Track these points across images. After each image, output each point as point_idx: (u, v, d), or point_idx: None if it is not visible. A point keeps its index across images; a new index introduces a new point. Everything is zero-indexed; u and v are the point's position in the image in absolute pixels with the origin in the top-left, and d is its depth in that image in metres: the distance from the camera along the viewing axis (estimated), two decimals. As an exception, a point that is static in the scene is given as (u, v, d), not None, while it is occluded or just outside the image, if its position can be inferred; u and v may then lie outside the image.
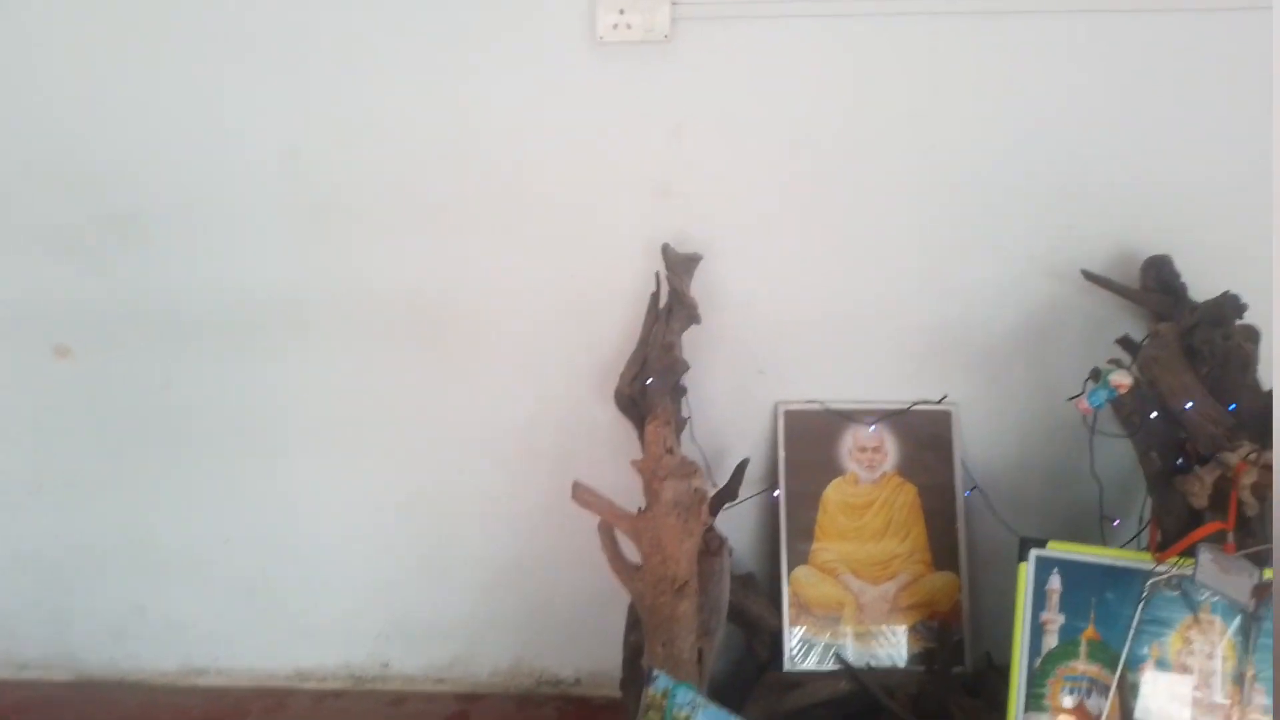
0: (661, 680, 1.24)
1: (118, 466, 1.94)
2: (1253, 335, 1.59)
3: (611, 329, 1.79)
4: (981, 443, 1.82)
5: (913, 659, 1.76)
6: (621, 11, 1.64)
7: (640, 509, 1.45)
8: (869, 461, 1.82)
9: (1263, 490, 1.35)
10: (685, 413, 1.77)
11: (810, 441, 1.83)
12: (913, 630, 1.77)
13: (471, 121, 1.75)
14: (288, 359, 1.86)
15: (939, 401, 1.82)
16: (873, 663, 1.76)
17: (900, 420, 1.82)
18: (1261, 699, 1.37)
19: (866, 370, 1.84)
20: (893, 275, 1.79)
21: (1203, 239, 1.70)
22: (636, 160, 1.75)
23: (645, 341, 1.70)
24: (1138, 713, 1.40)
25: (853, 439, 1.83)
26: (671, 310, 1.67)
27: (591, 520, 1.49)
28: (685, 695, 1.25)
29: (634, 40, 1.66)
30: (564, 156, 1.76)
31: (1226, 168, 1.69)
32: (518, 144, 1.75)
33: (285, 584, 1.97)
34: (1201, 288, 1.64)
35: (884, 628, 1.78)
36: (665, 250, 1.72)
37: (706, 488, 1.40)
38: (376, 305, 1.83)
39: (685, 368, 1.71)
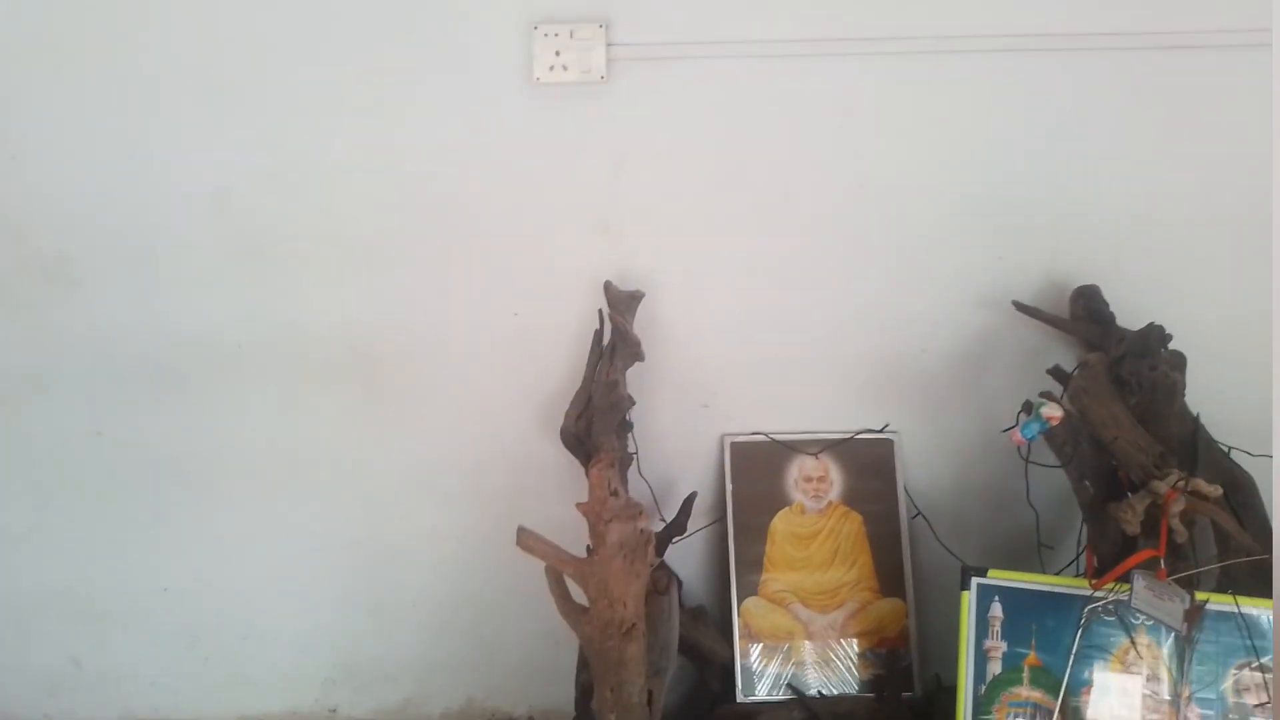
0: None
1: (49, 515, 1.88)
2: (1179, 363, 1.64)
3: (556, 367, 1.79)
4: (923, 470, 1.86)
5: (863, 686, 1.78)
6: (558, 54, 1.64)
7: (588, 548, 1.45)
8: (815, 491, 1.84)
9: (1190, 517, 1.39)
10: (632, 448, 1.77)
11: (757, 473, 1.84)
12: (862, 657, 1.79)
13: (410, 162, 1.74)
14: (223, 403, 1.83)
15: (881, 430, 1.85)
16: (824, 691, 1.77)
17: (844, 449, 1.84)
18: (1196, 718, 1.41)
19: (810, 401, 1.86)
20: (833, 308, 1.81)
21: (1129, 269, 1.76)
22: (577, 199, 1.75)
23: (590, 379, 1.70)
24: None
25: (798, 469, 1.85)
26: (615, 348, 1.67)
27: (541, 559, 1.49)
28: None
29: (571, 81, 1.67)
30: (505, 195, 1.75)
31: (1149, 200, 1.75)
32: (458, 184, 1.75)
33: (227, 631, 1.93)
34: (1129, 316, 1.70)
35: (834, 656, 1.79)
36: (608, 288, 1.72)
37: (652, 528, 1.40)
38: (315, 347, 1.80)
39: (630, 404, 1.71)
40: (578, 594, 1.47)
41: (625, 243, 1.77)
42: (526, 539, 1.36)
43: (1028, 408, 1.46)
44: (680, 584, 1.88)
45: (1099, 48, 1.71)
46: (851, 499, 1.84)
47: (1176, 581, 1.37)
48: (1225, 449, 1.69)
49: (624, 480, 1.67)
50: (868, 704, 1.74)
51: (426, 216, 1.77)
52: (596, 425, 1.65)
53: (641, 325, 1.75)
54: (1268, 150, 1.71)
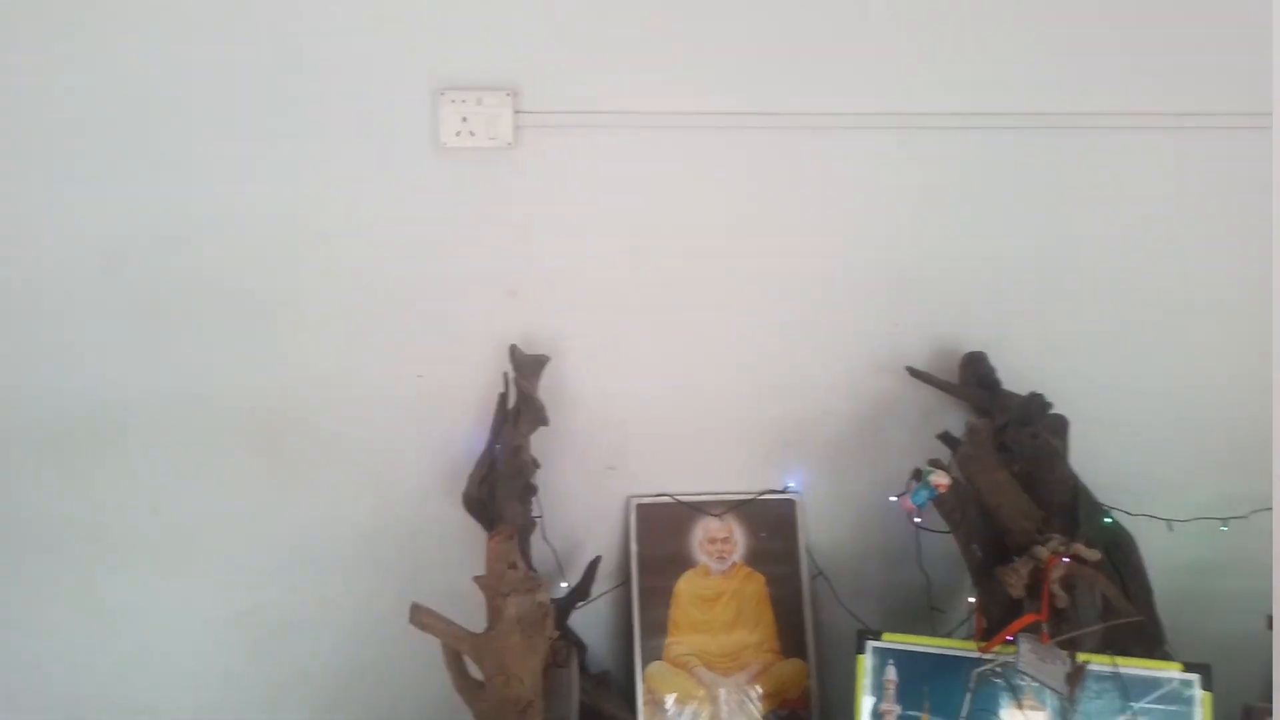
0: None
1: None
2: (1061, 427, 1.72)
3: (460, 430, 1.77)
4: (825, 530, 1.89)
5: (766, 749, 1.78)
6: (464, 119, 1.65)
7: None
8: (719, 552, 1.85)
9: (1070, 582, 1.45)
10: (536, 513, 1.76)
11: (662, 535, 1.85)
12: (765, 719, 1.79)
13: (312, 224, 1.71)
14: (107, 469, 1.75)
15: (783, 491, 1.88)
16: (728, 756, 1.77)
17: (748, 510, 1.87)
18: (1078, 779, 1.45)
19: (715, 463, 1.88)
20: (736, 372, 1.84)
21: (1015, 336, 1.83)
22: (484, 263, 1.75)
23: (493, 443, 1.69)
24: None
25: (703, 530, 1.86)
26: (520, 412, 1.66)
27: (438, 632, 1.45)
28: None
29: (478, 146, 1.67)
30: (411, 258, 1.74)
31: (1035, 270, 1.84)
32: (363, 245, 1.73)
33: (106, 711, 1.82)
34: (1016, 380, 1.77)
35: (738, 718, 1.79)
36: (513, 352, 1.72)
37: (552, 600, 1.38)
38: (207, 410, 1.74)
39: (535, 468, 1.70)
40: (476, 669, 1.44)
41: (532, 307, 1.77)
42: (421, 616, 1.33)
43: (917, 475, 1.50)
44: (585, 650, 1.86)
45: (990, 126, 1.79)
46: (755, 560, 1.86)
47: (1059, 644, 1.42)
48: (1106, 509, 1.77)
49: (526, 548, 1.66)
50: (771, 768, 1.74)
51: (330, 278, 1.74)
52: (500, 490, 1.63)
53: (548, 389, 1.75)
54: (1147, 223, 1.83)
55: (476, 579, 1.39)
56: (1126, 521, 1.80)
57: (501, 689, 1.31)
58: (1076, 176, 1.82)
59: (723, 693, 1.80)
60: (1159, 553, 1.80)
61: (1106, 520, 1.75)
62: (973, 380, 1.76)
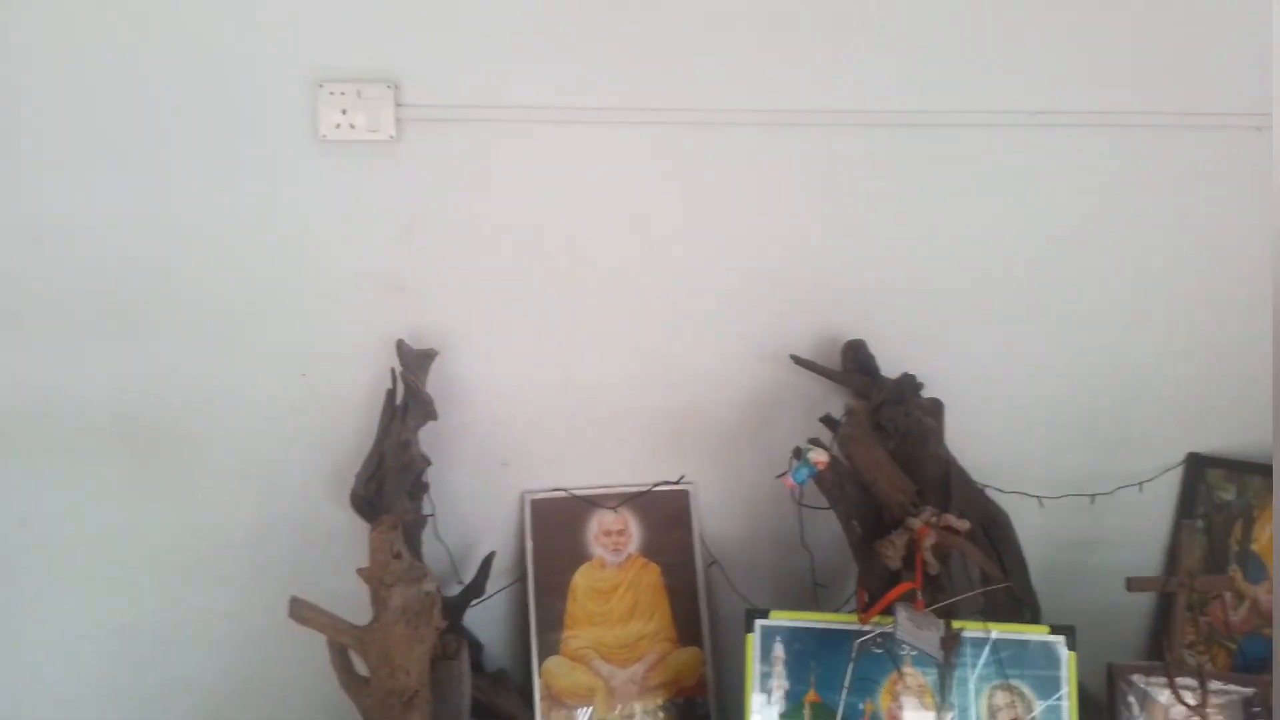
0: None
1: None
2: (936, 409, 1.79)
3: (347, 429, 1.74)
4: (718, 519, 1.92)
5: (664, 738, 1.79)
6: (344, 111, 1.64)
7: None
8: (614, 545, 1.87)
9: (943, 551, 1.51)
10: (428, 510, 1.74)
11: (557, 529, 1.85)
12: (662, 708, 1.81)
13: (185, 220, 1.67)
14: (-32, 480, 1.66)
15: (677, 482, 1.90)
16: (626, 746, 1.78)
17: (642, 502, 1.88)
18: (956, 741, 1.51)
19: (608, 455, 1.89)
20: (627, 365, 1.87)
21: (893, 324, 1.90)
22: (368, 258, 1.73)
23: (382, 440, 1.67)
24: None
25: (598, 524, 1.87)
26: (407, 407, 1.65)
27: (324, 634, 1.42)
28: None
29: (359, 140, 1.66)
30: (292, 254, 1.71)
31: (912, 262, 1.91)
32: (241, 242, 1.69)
33: (-30, 737, 1.72)
34: (895, 367, 1.84)
35: (635, 709, 1.80)
36: (400, 346, 1.70)
37: (438, 591, 1.37)
38: (76, 415, 1.68)
39: (425, 464, 1.69)
40: (364, 666, 1.41)
41: (419, 302, 1.76)
42: (300, 610, 1.30)
43: (798, 453, 1.55)
44: (481, 648, 1.85)
45: (868, 124, 1.85)
46: (650, 551, 1.87)
47: (934, 612, 1.48)
48: (981, 487, 1.85)
49: (417, 545, 1.64)
50: (669, 755, 1.76)
51: (204, 276, 1.70)
52: (388, 487, 1.61)
53: (438, 385, 1.74)
54: (1015, 218, 1.92)
55: (360, 571, 1.37)
56: (1000, 499, 1.89)
57: (386, 681, 1.29)
58: (948, 172, 1.91)
59: (620, 683, 1.80)
60: (1033, 528, 1.89)
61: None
62: (853, 366, 1.82)
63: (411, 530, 1.62)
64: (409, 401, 1.65)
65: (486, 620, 1.85)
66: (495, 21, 1.71)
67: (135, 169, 1.64)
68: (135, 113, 1.64)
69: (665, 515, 1.89)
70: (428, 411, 1.64)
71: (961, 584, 1.63)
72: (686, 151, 1.82)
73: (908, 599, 1.48)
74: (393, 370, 1.70)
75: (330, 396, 1.74)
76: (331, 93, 1.63)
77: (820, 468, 1.50)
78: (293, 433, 1.75)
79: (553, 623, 1.81)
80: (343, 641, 1.30)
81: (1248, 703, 1.57)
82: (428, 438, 1.74)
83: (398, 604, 1.30)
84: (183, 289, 1.69)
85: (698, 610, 1.86)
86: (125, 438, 1.69)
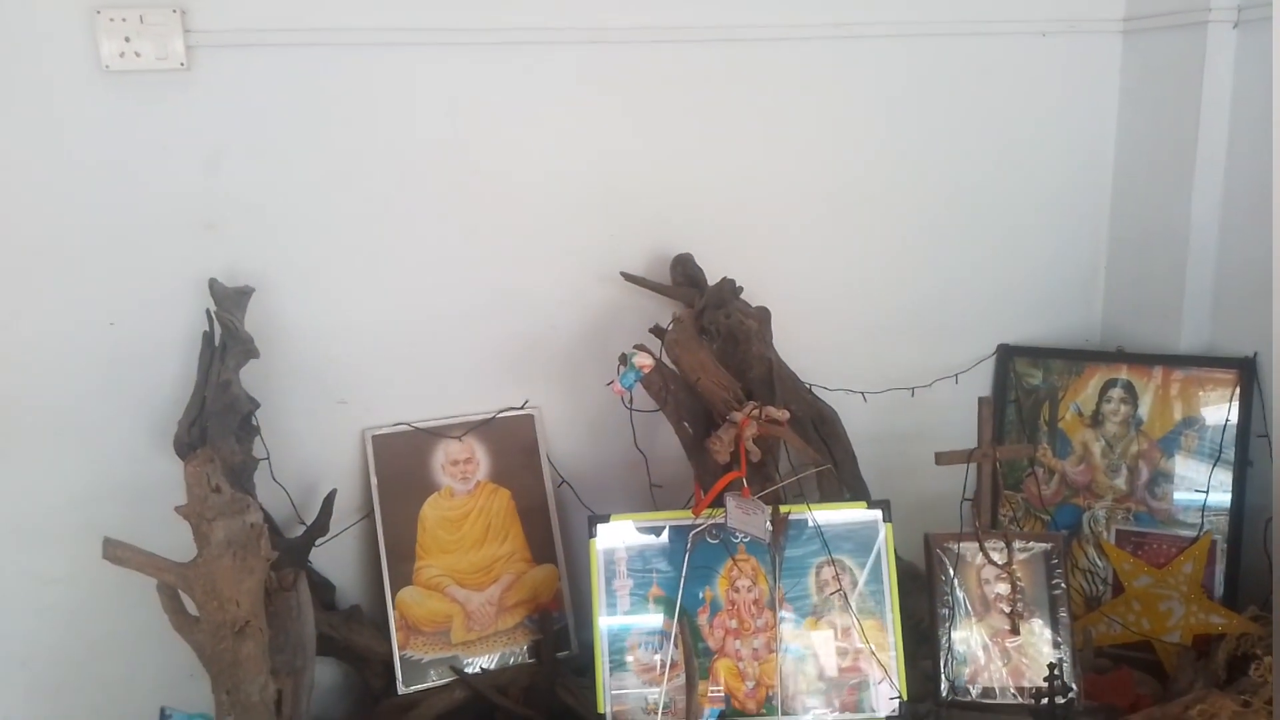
0: (176, 717, 1.19)
1: None
2: (763, 316, 1.87)
3: (166, 376, 1.68)
4: (564, 440, 1.96)
5: (525, 653, 1.83)
6: (127, 39, 1.55)
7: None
8: (462, 474, 1.88)
9: (767, 442, 1.59)
10: (262, 453, 1.71)
11: (402, 463, 1.85)
12: (520, 626, 1.85)
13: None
14: None
15: (522, 407, 1.92)
16: (489, 666, 1.81)
17: (488, 429, 1.90)
18: (791, 616, 1.60)
19: (450, 386, 1.89)
20: (461, 292, 1.86)
21: (720, 238, 1.95)
22: (171, 195, 1.66)
23: (203, 384, 1.62)
24: (700, 649, 1.58)
25: (444, 454, 1.87)
26: (226, 347, 1.60)
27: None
28: (202, 726, 1.21)
29: (148, 69, 1.58)
30: (86, 194, 1.61)
31: (730, 177, 1.96)
32: (25, 183, 1.59)
33: None
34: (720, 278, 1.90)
35: (494, 630, 1.83)
36: (212, 286, 1.65)
37: (264, 522, 1.35)
38: None
39: (252, 406, 1.65)
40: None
41: (232, 240, 1.70)
42: (115, 550, 1.26)
43: (623, 359, 1.59)
44: (334, 588, 1.84)
45: (690, 39, 1.87)
46: (499, 476, 1.89)
47: (761, 499, 1.56)
48: (808, 386, 1.95)
49: (249, 486, 1.61)
50: (529, 669, 1.80)
51: (-11, 224, 1.59)
52: (212, 430, 1.57)
53: (261, 325, 1.70)
54: (828, 128, 1.99)
55: (178, 508, 1.33)
56: (827, 397, 1.99)
57: (216, 614, 1.27)
58: (760, 87, 1.96)
59: (477, 606, 1.83)
60: (860, 424, 2.01)
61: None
62: (682, 280, 1.88)
63: (242, 473, 1.59)
64: (227, 341, 1.61)
65: (338, 560, 1.84)
66: (289, -60, 1.65)
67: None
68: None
69: (512, 441, 1.91)
70: (247, 350, 1.60)
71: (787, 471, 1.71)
72: (511, 74, 1.81)
73: (736, 489, 1.56)
74: (208, 311, 1.65)
75: (144, 343, 1.67)
76: (111, 19, 1.54)
77: (645, 371, 1.55)
78: (108, 385, 1.67)
79: (404, 555, 1.82)
80: (165, 579, 1.27)
81: (1047, 555, 1.73)
82: (258, 381, 1.70)
83: (221, 537, 1.28)
84: (-35, 238, 1.57)
85: (550, 529, 1.90)
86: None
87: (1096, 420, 2.08)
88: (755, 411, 1.54)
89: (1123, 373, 2.07)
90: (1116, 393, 2.07)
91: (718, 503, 1.57)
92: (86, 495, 1.69)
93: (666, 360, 1.65)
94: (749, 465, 1.54)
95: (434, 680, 1.77)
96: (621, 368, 1.58)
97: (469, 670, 1.78)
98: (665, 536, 1.62)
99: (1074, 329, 2.22)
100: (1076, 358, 2.12)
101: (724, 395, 1.58)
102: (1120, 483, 2.05)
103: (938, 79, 2.03)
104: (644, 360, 1.54)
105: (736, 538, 1.59)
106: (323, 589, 1.79)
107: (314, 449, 1.81)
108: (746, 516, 1.51)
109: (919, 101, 2.04)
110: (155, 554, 1.30)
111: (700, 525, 1.59)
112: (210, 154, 1.66)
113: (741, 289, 1.81)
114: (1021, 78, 2.07)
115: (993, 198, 2.12)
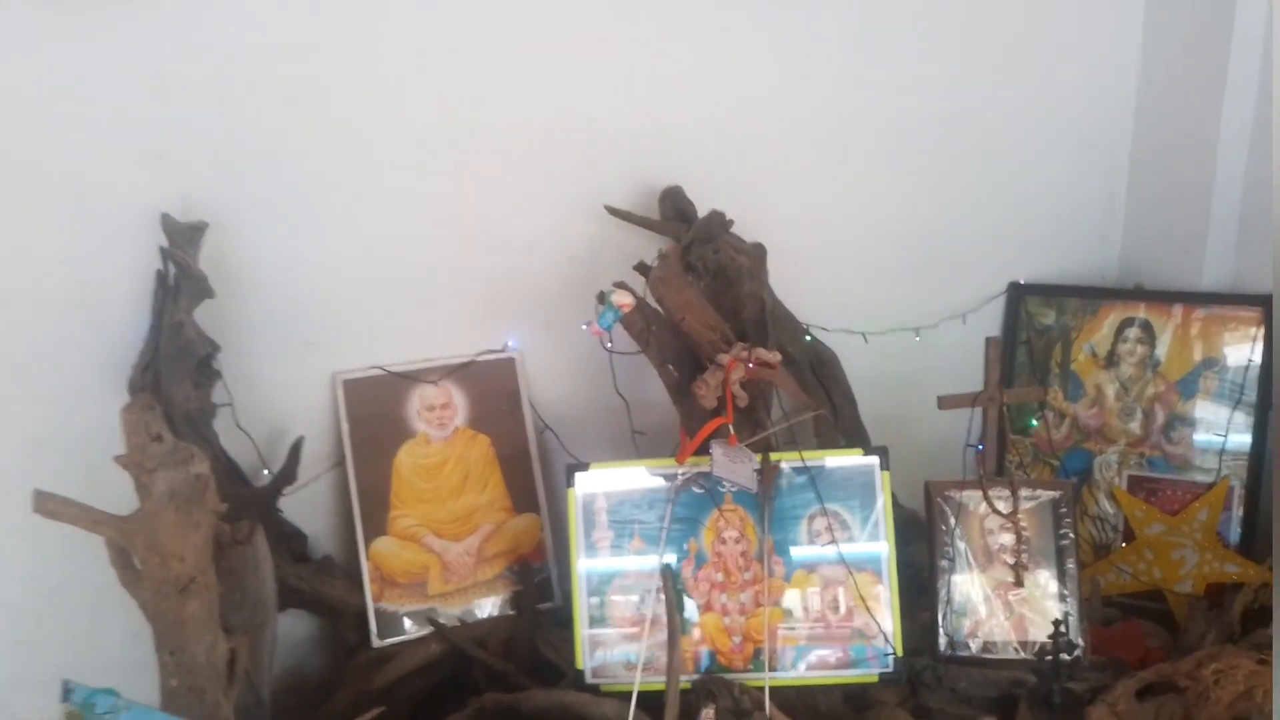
0: (79, 692, 1.12)
1: None
2: (757, 253, 1.75)
3: (119, 317, 1.58)
4: (548, 384, 1.86)
5: (505, 605, 1.76)
6: (65, -47, 1.42)
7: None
8: (438, 420, 1.79)
9: (756, 387, 1.48)
10: (225, 399, 1.62)
11: (375, 409, 1.76)
12: (500, 577, 1.77)
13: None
14: None
15: (502, 350, 1.82)
16: (467, 618, 1.74)
17: (466, 374, 1.80)
18: (780, 569, 1.52)
19: (425, 328, 1.80)
20: (436, 230, 1.76)
21: (712, 171, 1.83)
22: (117, 124, 1.54)
23: (156, 325, 1.52)
24: (689, 606, 1.50)
25: (419, 399, 1.78)
26: (179, 286, 1.50)
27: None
28: (107, 702, 1.14)
29: (90, -14, 1.45)
30: (24, 124, 1.50)
31: (723, 107, 1.83)
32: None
33: None
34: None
35: (473, 582, 1.76)
36: (164, 221, 1.54)
37: (209, 472, 1.26)
38: None
39: (210, 348, 1.56)
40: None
41: (185, 173, 1.59)
42: (45, 502, 1.18)
43: (601, 298, 1.48)
44: (305, 538, 1.76)
45: None
46: (478, 422, 1.80)
47: (749, 446, 1.46)
48: (806, 326, 1.84)
49: (208, 433, 1.53)
50: (509, 621, 1.73)
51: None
52: (165, 374, 1.48)
53: (219, 263, 1.60)
54: (829, 57, 1.86)
55: (117, 458, 1.24)
56: (826, 338, 1.89)
57: (158, 570, 1.19)
58: (759, 12, 1.82)
59: (454, 557, 1.75)
60: (861, 366, 1.90)
61: (807, 338, 1.82)
62: (671, 214, 1.76)
63: (200, 420, 1.50)
64: (180, 280, 1.50)
65: (310, 509, 1.76)
66: None
67: None
68: None
69: (492, 385, 1.81)
70: (202, 289, 1.50)
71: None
72: (486, 3, 1.67)
73: (723, 435, 1.46)
74: (160, 248, 1.54)
75: (95, 284, 1.57)
76: (46, -69, 1.41)
77: (625, 310, 1.44)
78: (58, 326, 1.57)
79: (378, 504, 1.74)
80: (103, 533, 1.19)
81: (1055, 503, 1.63)
82: (218, 323, 1.60)
83: (163, 489, 1.20)
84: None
85: (532, 477, 1.82)
86: None
87: (1111, 361, 1.97)
88: (744, 353, 1.43)
89: (1140, 311, 1.95)
90: (1133, 332, 1.95)
91: (703, 450, 1.47)
92: (36, 442, 1.60)
93: (650, 299, 1.54)
94: (737, 411, 1.44)
95: (410, 633, 1.70)
96: (599, 307, 1.47)
97: (448, 623, 1.71)
98: (648, 485, 1.53)
99: (1090, 265, 2.09)
100: (1092, 295, 2.00)
101: (711, 336, 1.47)
102: (1134, 426, 1.94)
103: (944, 6, 1.88)
104: (623, 299, 1.44)
105: (723, 487, 1.50)
106: (293, 539, 1.72)
107: (281, 394, 1.72)
108: (733, 465, 1.42)
109: (928, 21, 1.89)
110: (91, 506, 1.22)
111: (685, 474, 1.50)
112: (155, 80, 1.54)
113: (732, 222, 1.69)
114: (1040, 8, 1.92)
115: (1004, 123, 1.98)
